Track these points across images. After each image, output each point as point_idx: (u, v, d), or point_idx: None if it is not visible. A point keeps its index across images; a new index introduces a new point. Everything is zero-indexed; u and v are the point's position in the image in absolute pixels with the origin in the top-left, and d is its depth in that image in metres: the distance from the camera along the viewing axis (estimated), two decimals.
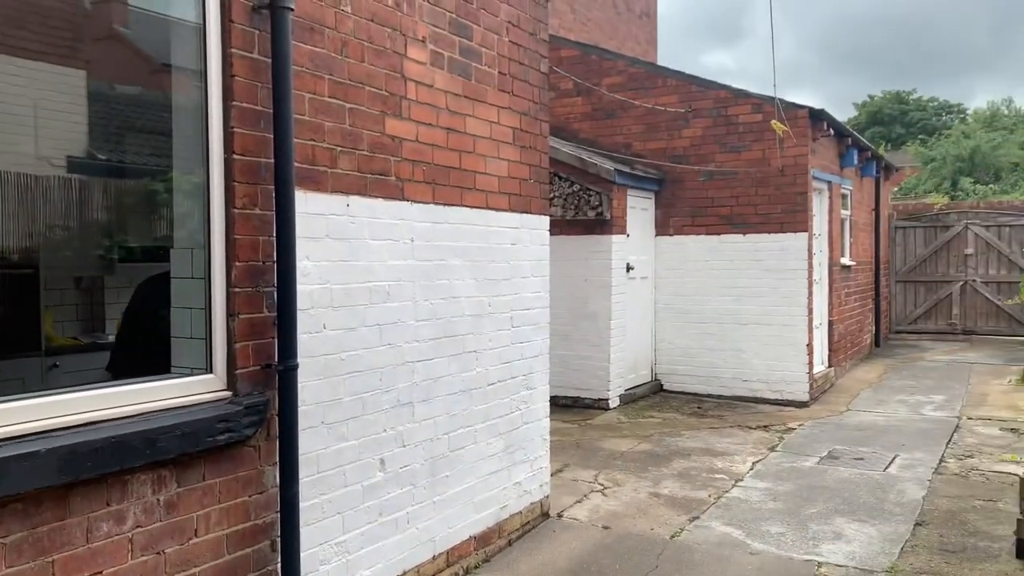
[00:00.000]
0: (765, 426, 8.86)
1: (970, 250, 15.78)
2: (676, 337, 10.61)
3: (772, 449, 7.81)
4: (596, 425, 8.80)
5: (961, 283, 15.89)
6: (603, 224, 9.53)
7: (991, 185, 31.57)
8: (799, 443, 8.05)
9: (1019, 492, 5.08)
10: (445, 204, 4.65)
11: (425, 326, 4.49)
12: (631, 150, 10.72)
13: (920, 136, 41.58)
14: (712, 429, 8.69)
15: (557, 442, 7.93)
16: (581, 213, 9.47)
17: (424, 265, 4.49)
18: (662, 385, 10.68)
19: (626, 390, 9.94)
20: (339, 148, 3.92)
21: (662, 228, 10.67)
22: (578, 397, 9.70)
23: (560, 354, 9.75)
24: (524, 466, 5.48)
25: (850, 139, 11.34)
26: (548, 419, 5.90)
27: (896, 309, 16.48)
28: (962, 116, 47.33)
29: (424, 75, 4.48)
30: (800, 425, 8.88)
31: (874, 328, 14.26)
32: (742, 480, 6.78)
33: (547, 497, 5.79)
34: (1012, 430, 8.51)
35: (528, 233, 5.55)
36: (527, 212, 5.52)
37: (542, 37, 5.58)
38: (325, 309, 3.85)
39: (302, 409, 3.68)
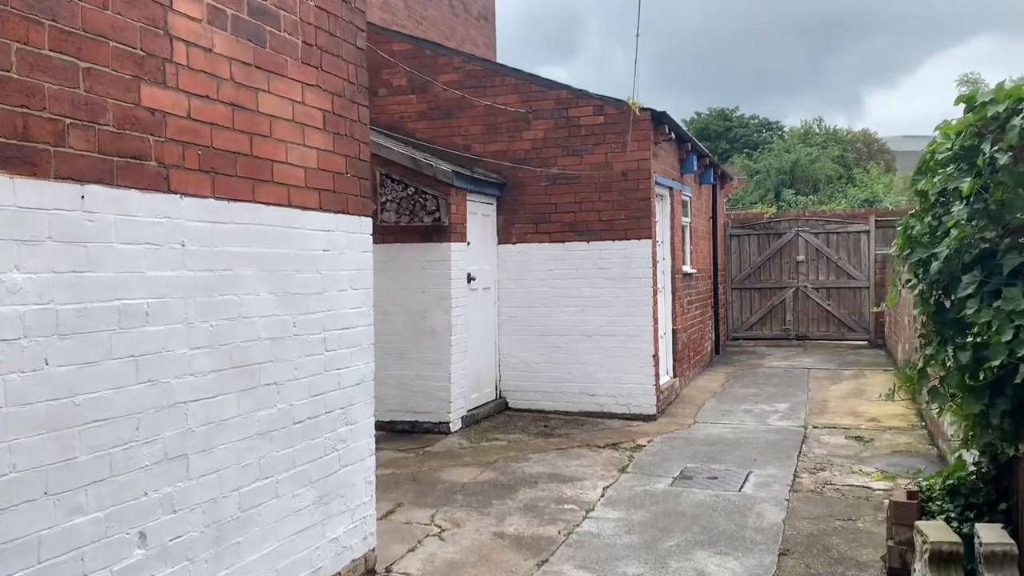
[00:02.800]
0: (615, 444, 8.34)
1: (801, 256, 16.17)
2: (521, 351, 9.97)
3: (623, 471, 7.26)
4: (436, 453, 7.98)
5: (794, 289, 16.26)
6: (441, 231, 8.74)
7: (811, 196, 33.41)
8: (650, 462, 7.55)
9: (887, 516, 4.69)
10: (231, 199, 3.70)
11: (203, 355, 3.52)
12: (471, 152, 10.02)
13: (745, 150, 43.66)
14: (560, 451, 8.06)
15: (390, 476, 7.04)
16: (417, 219, 8.65)
17: (201, 277, 3.52)
18: (508, 403, 10.01)
19: (469, 411, 9.18)
20: (69, 120, 2.91)
21: (505, 236, 10.01)
22: (416, 421, 8.84)
23: (396, 375, 8.87)
24: (343, 517, 4.57)
25: (690, 144, 11.14)
26: (373, 457, 5.04)
27: (733, 316, 16.68)
28: (780, 133, 50.21)
29: (199, 35, 3.52)
30: (649, 441, 8.42)
31: (714, 335, 14.24)
32: (593, 510, 6.15)
33: (373, 550, 4.90)
34: (857, 438, 8.40)
35: (345, 237, 4.67)
36: (344, 212, 4.64)
37: (358, 7, 4.72)
38: (48, 338, 2.82)
39: (10, 478, 2.64)
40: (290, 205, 4.13)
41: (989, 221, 3.80)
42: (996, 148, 3.73)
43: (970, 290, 3.78)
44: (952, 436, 6.11)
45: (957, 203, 4.01)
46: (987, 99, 3.90)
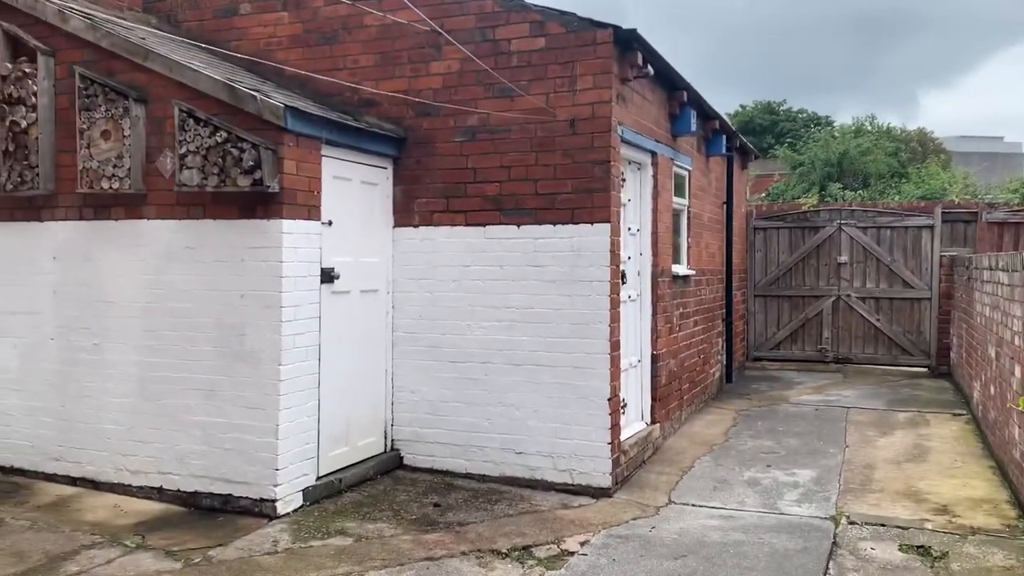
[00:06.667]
0: (525, 548, 5.18)
1: (844, 257, 12.76)
2: (422, 384, 6.83)
3: None
4: (224, 562, 4.89)
5: (833, 298, 12.86)
6: (267, 201, 5.63)
7: (860, 192, 29.78)
8: None
9: None
10: None
11: None
12: (360, 95, 6.91)
13: (788, 140, 40.05)
14: (430, 561, 4.93)
15: None
16: (228, 180, 5.55)
17: None
18: (402, 458, 6.88)
19: (323, 477, 6.08)
20: None
21: (403, 215, 6.88)
22: (230, 496, 5.76)
23: (202, 421, 5.82)
24: None
25: (685, 93, 7.86)
26: None
27: (755, 330, 13.32)
28: (830, 128, 46.48)
29: None
30: (583, 544, 5.25)
31: (725, 358, 10.93)
32: None
33: None
34: (920, 551, 5.14)
35: None
36: None
37: None
38: None
39: None
40: None
41: None
42: None
43: None
44: None
45: None
46: None
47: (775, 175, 34.02)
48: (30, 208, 6.41)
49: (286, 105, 5.53)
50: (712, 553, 5.12)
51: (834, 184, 30.33)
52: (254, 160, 5.45)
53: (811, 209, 13.48)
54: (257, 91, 5.66)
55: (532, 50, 6.44)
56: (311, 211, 5.85)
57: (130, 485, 6.05)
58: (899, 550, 5.19)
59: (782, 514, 5.90)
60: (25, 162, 6.24)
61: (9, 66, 6.29)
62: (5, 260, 6.52)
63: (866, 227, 12.71)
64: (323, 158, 5.99)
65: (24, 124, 6.21)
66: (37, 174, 6.18)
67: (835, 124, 47.19)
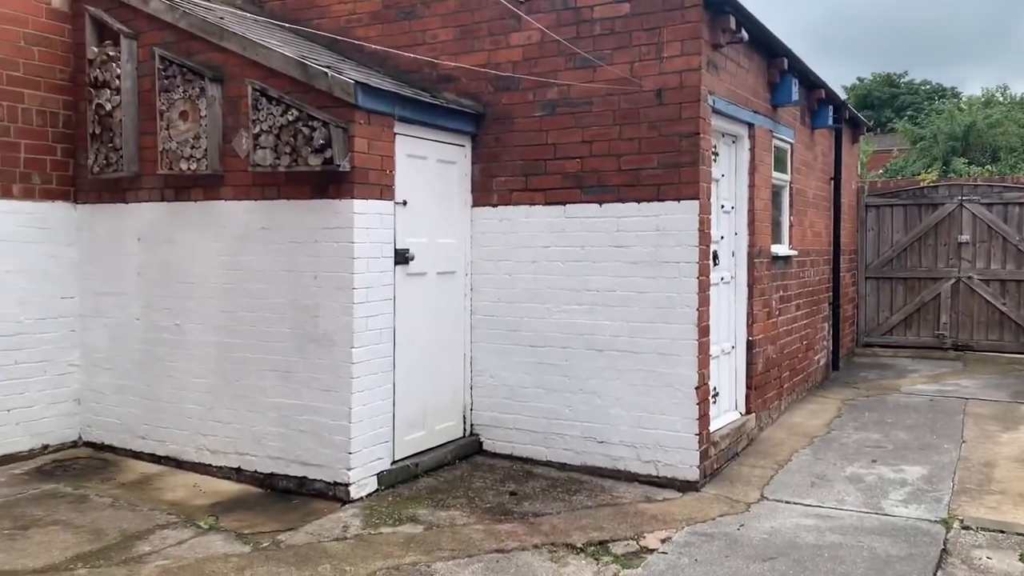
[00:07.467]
0: (602, 544, 4.91)
1: (966, 236, 11.81)
2: (501, 368, 6.62)
3: None
4: (292, 547, 4.82)
5: (953, 280, 11.94)
6: (337, 179, 5.51)
7: (988, 167, 27.74)
8: None
9: None
10: None
11: None
12: (438, 71, 6.72)
13: (909, 113, 37.81)
14: (499, 554, 4.72)
15: None
16: (300, 160, 5.45)
17: None
18: (481, 444, 6.70)
19: (398, 461, 5.96)
20: None
21: (481, 194, 6.67)
22: (305, 478, 5.71)
23: (278, 403, 5.79)
24: None
25: (786, 59, 7.32)
26: None
27: (866, 314, 12.52)
28: (956, 100, 43.60)
29: None
30: (664, 541, 4.94)
31: (831, 344, 10.28)
32: None
33: None
34: None
35: None
36: None
37: None
38: None
39: None
40: None
41: None
42: None
43: None
44: None
45: None
46: None
47: (894, 151, 32.19)
48: (116, 190, 6.51)
49: (356, 81, 5.37)
50: (804, 556, 4.72)
51: (959, 159, 28.38)
52: (324, 138, 5.32)
53: (929, 185, 12.54)
54: (329, 68, 5.53)
55: (616, 16, 6.08)
56: (384, 191, 5.69)
57: (210, 465, 6.09)
58: (1020, 560, 4.66)
59: (886, 515, 5.41)
60: (110, 144, 6.33)
61: (95, 50, 6.38)
62: (95, 242, 6.65)
63: (991, 203, 11.71)
64: (397, 136, 5.82)
65: (109, 107, 6.29)
66: (121, 156, 6.26)
67: (962, 96, 44.30)
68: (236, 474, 5.96)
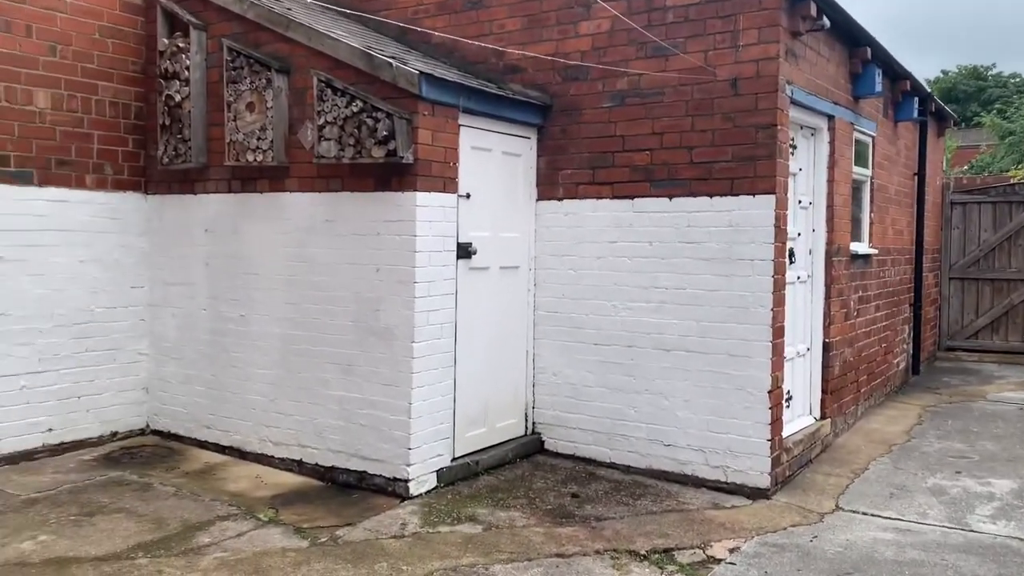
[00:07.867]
0: (667, 551, 4.72)
1: None
2: (564, 366, 6.47)
3: None
4: (349, 544, 4.76)
5: None
6: (400, 171, 5.42)
7: None
8: None
9: None
10: None
11: None
12: (505, 61, 6.59)
13: (997, 107, 36.12)
14: (559, 558, 4.58)
15: None
16: (364, 151, 5.38)
17: None
18: (543, 443, 6.56)
19: (458, 458, 5.87)
20: None
21: (547, 187, 6.51)
22: (365, 473, 5.65)
23: (340, 396, 5.75)
24: None
25: (869, 49, 6.97)
26: None
27: (950, 317, 11.94)
28: None
29: None
30: (732, 551, 4.72)
31: (911, 347, 9.81)
32: None
33: None
34: None
35: None
36: None
37: None
38: None
39: None
40: None
41: None
42: None
43: None
44: None
45: None
46: None
47: (981, 146, 30.77)
48: (185, 181, 6.56)
49: (421, 72, 5.27)
50: (882, 573, 4.45)
51: None
52: (388, 130, 5.24)
53: (1020, 181, 11.87)
54: (394, 58, 5.44)
55: (690, 3, 5.85)
56: (447, 183, 5.59)
57: (272, 456, 6.09)
58: None
59: (972, 531, 5.08)
60: (179, 136, 6.38)
61: (166, 41, 6.44)
62: (165, 232, 6.73)
63: None
64: (461, 127, 5.71)
65: (178, 98, 6.34)
66: (190, 147, 6.30)
67: None
68: (298, 466, 5.95)
